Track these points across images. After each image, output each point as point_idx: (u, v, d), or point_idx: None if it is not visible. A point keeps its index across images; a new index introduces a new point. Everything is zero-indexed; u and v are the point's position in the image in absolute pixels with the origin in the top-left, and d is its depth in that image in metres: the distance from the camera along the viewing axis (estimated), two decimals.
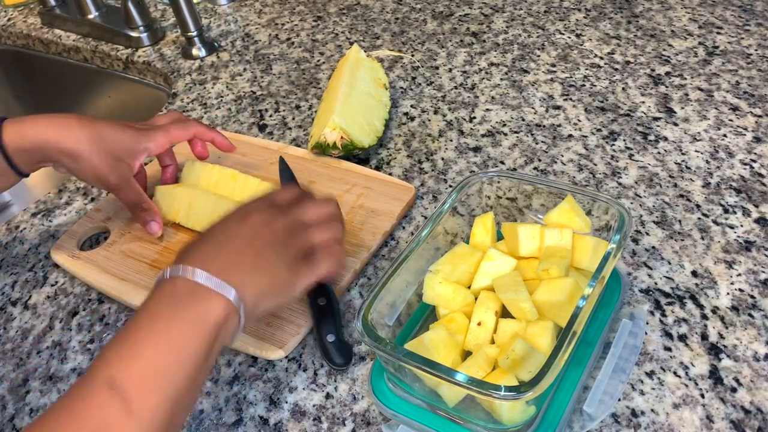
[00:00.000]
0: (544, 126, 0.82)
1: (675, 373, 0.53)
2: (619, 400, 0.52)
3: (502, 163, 0.77)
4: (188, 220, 0.70)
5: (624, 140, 0.78)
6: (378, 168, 0.79)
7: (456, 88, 0.92)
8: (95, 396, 0.38)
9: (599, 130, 0.81)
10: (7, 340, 0.64)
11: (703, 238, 0.65)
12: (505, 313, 0.51)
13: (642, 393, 0.52)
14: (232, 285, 0.43)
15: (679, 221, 0.67)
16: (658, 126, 0.80)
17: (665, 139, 0.78)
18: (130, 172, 0.65)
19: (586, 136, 0.80)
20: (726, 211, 0.68)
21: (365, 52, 0.89)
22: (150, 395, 0.38)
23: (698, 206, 0.68)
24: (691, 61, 0.91)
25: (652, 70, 0.91)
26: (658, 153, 0.76)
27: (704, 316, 0.57)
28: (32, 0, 1.31)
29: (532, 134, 0.81)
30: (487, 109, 0.86)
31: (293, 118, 0.90)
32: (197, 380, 0.41)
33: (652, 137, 0.78)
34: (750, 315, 0.57)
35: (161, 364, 0.40)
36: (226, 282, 0.43)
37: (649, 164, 0.74)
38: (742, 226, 0.66)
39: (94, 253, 0.69)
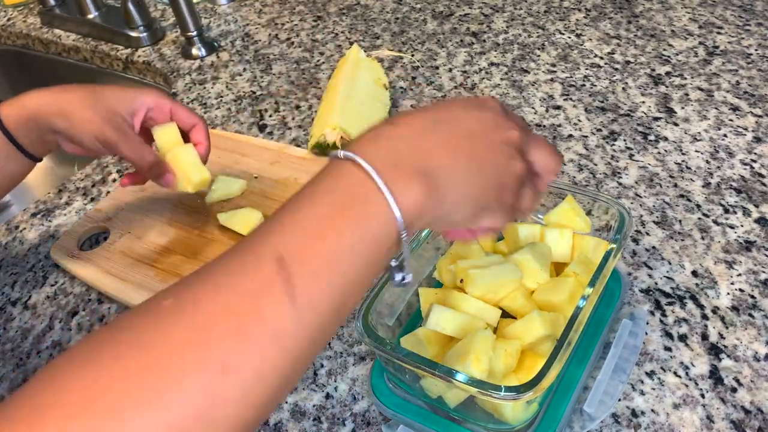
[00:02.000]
0: (544, 126, 0.82)
1: (675, 373, 0.53)
2: (619, 400, 0.52)
3: None
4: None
5: (624, 140, 0.78)
6: None
7: (456, 88, 0.92)
8: (260, 269, 0.32)
9: (599, 130, 0.80)
10: (7, 340, 0.64)
11: (703, 238, 0.65)
12: (504, 313, 0.51)
13: (642, 393, 0.52)
14: (400, 192, 0.35)
15: (680, 221, 0.67)
16: (659, 126, 0.80)
17: (665, 139, 0.78)
18: (128, 125, 0.62)
19: (586, 136, 0.80)
20: (726, 211, 0.68)
21: (365, 52, 0.89)
22: (322, 285, 0.33)
23: (698, 206, 0.68)
24: (692, 61, 0.91)
25: (653, 70, 0.90)
26: (659, 153, 0.76)
27: (704, 316, 0.57)
28: (32, 0, 1.31)
29: None
30: None
31: (293, 118, 0.90)
32: (365, 281, 0.36)
33: (652, 137, 0.78)
34: (750, 315, 0.57)
35: (337, 252, 0.34)
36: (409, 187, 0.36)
37: (650, 164, 0.74)
38: (742, 226, 0.66)
39: (94, 253, 0.69)
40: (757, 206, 0.68)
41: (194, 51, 1.06)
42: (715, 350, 0.55)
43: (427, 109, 0.40)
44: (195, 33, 1.04)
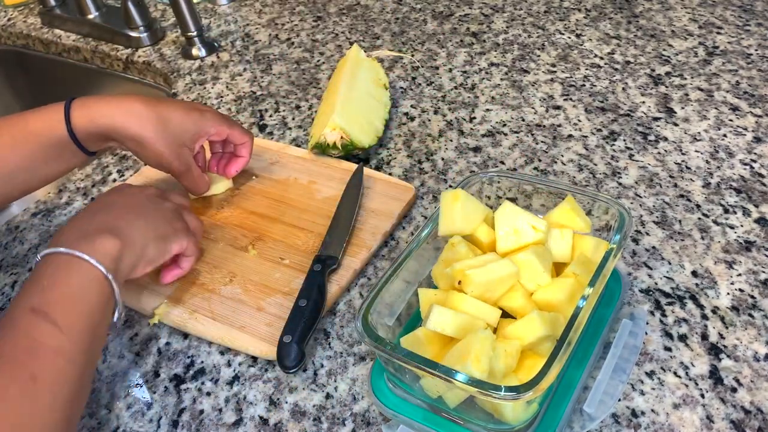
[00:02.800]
0: (544, 126, 0.82)
1: (675, 373, 0.53)
2: (619, 400, 0.52)
3: (502, 163, 0.77)
4: None
5: (624, 140, 0.78)
6: (378, 168, 0.79)
7: (456, 88, 0.92)
8: (21, 321, 0.45)
9: (599, 130, 0.81)
10: None
11: (703, 238, 0.65)
12: (504, 313, 0.51)
13: (642, 393, 0.52)
14: (93, 251, 0.50)
15: (679, 221, 0.67)
16: (658, 126, 0.80)
17: (665, 139, 0.78)
18: (191, 156, 0.68)
19: (586, 136, 0.80)
20: (726, 211, 0.68)
21: (365, 52, 0.89)
22: (67, 311, 0.46)
23: (698, 206, 0.68)
24: (691, 61, 0.91)
25: (652, 70, 0.91)
26: (658, 153, 0.76)
27: (704, 316, 0.57)
28: (32, 0, 1.31)
29: (532, 134, 0.81)
30: (487, 109, 0.86)
31: (293, 118, 0.90)
32: (104, 311, 0.50)
33: (652, 137, 0.78)
34: (750, 315, 0.57)
35: (71, 292, 0.47)
36: (87, 251, 0.50)
37: (649, 164, 0.74)
38: (742, 226, 0.66)
39: None
40: (757, 206, 0.68)
41: (194, 51, 1.06)
42: (715, 350, 0.55)
43: (95, 202, 0.58)
44: (195, 33, 1.04)
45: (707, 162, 0.74)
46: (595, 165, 0.75)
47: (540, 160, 0.77)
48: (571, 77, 0.91)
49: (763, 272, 0.61)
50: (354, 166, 0.76)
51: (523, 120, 0.84)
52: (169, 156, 0.65)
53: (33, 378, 0.42)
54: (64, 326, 0.45)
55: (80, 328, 0.47)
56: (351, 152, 0.77)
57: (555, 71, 0.92)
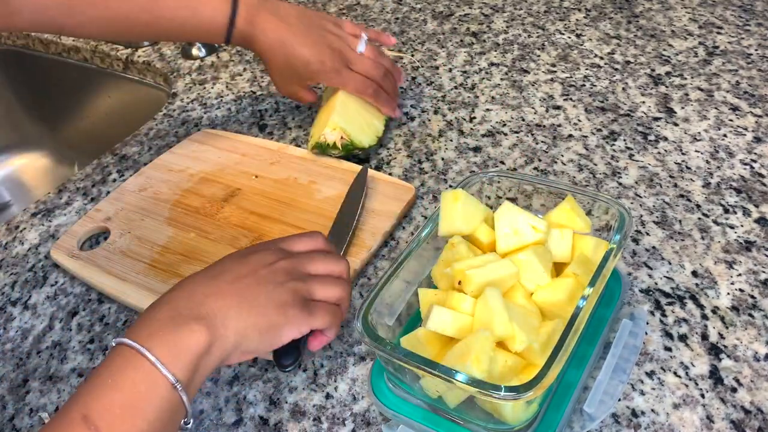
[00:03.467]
0: (544, 126, 0.82)
1: (675, 373, 0.53)
2: (620, 400, 0.52)
3: (502, 163, 0.77)
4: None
5: (624, 140, 0.78)
6: (378, 168, 0.79)
7: (456, 88, 0.92)
8: (72, 426, 0.40)
9: (599, 130, 0.81)
10: (7, 340, 0.64)
11: (703, 238, 0.65)
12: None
13: (642, 393, 0.52)
14: (169, 349, 0.43)
15: (680, 221, 0.67)
16: (658, 126, 0.80)
17: (665, 139, 0.78)
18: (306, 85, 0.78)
19: (586, 136, 0.80)
20: (726, 211, 0.68)
21: None
22: (125, 426, 0.41)
23: (698, 206, 0.68)
24: (691, 61, 0.91)
25: (652, 70, 0.91)
26: (658, 153, 0.76)
27: (704, 316, 0.57)
28: None
29: (532, 134, 0.81)
30: (487, 109, 0.86)
31: (293, 118, 0.90)
32: (169, 419, 0.43)
33: (652, 137, 0.78)
34: (750, 315, 0.57)
35: (132, 401, 0.41)
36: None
37: (649, 164, 0.74)
38: (742, 226, 0.66)
39: (94, 253, 0.69)
40: (757, 206, 0.68)
41: (194, 51, 1.06)
42: (715, 350, 0.55)
43: (207, 269, 0.50)
44: None
45: (707, 162, 0.74)
46: (595, 165, 0.75)
47: (540, 160, 0.77)
48: (571, 77, 0.91)
49: (763, 272, 0.61)
50: (354, 166, 0.76)
51: (523, 120, 0.84)
52: (279, 83, 0.78)
53: None
54: None
55: None
56: (351, 152, 0.77)
57: (555, 71, 0.92)
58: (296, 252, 0.53)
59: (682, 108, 0.83)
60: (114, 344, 0.44)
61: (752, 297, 0.59)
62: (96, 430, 0.40)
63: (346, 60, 0.76)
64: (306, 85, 0.78)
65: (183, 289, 0.47)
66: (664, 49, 0.95)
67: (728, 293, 0.59)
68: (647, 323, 0.57)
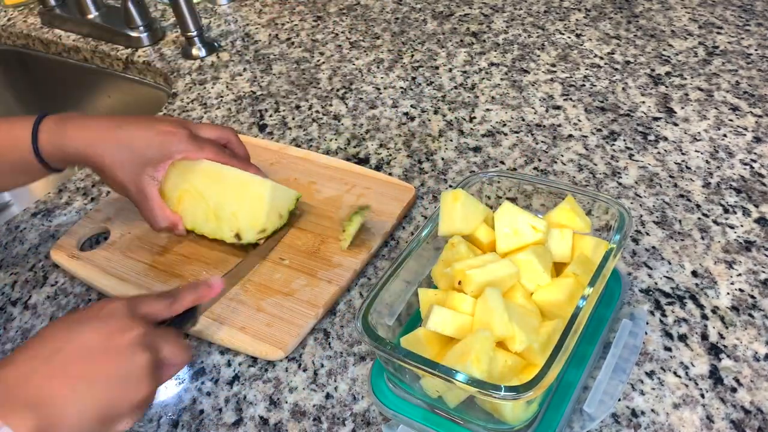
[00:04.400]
0: (544, 126, 0.82)
1: (675, 373, 0.53)
2: (619, 400, 0.52)
3: (502, 163, 0.77)
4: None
5: (624, 140, 0.78)
6: (378, 168, 0.79)
7: (456, 88, 0.92)
8: None
9: (599, 130, 0.81)
10: (7, 340, 0.64)
11: (703, 238, 0.65)
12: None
13: (642, 393, 0.52)
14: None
15: (679, 221, 0.67)
16: (658, 126, 0.80)
17: (665, 139, 0.78)
18: (152, 184, 0.64)
19: (586, 136, 0.80)
20: (726, 211, 0.68)
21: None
22: None
23: (698, 206, 0.68)
24: (691, 61, 0.91)
25: (652, 70, 0.91)
26: (658, 153, 0.76)
27: (704, 316, 0.57)
28: (32, 0, 1.31)
29: (532, 134, 0.81)
30: (487, 109, 0.86)
31: (293, 118, 0.90)
32: None
33: (652, 137, 0.78)
34: (750, 315, 0.57)
35: None
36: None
37: (649, 164, 0.74)
38: (742, 226, 0.66)
39: (94, 254, 0.69)
40: (757, 206, 0.68)
41: (194, 51, 1.06)
42: (715, 350, 0.55)
43: (44, 335, 0.43)
44: (195, 33, 1.04)
45: (707, 162, 0.74)
46: (595, 165, 0.75)
47: (540, 160, 0.77)
48: (571, 77, 0.91)
49: (763, 272, 0.61)
50: (355, 167, 0.76)
51: (523, 120, 0.84)
52: (127, 184, 0.62)
53: None
54: None
55: None
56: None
57: (555, 71, 0.92)
58: (144, 325, 0.46)
59: (682, 108, 0.83)
60: None
61: (752, 297, 0.59)
62: None
63: (190, 126, 0.66)
64: (154, 176, 0.64)
65: (17, 366, 0.41)
66: (664, 49, 0.95)
67: (728, 293, 0.59)
68: (647, 323, 0.57)
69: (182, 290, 0.51)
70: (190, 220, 0.66)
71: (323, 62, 1.02)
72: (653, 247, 0.64)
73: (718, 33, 0.97)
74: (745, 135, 0.77)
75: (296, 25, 1.14)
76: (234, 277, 0.62)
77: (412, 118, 0.87)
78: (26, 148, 0.61)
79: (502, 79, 0.92)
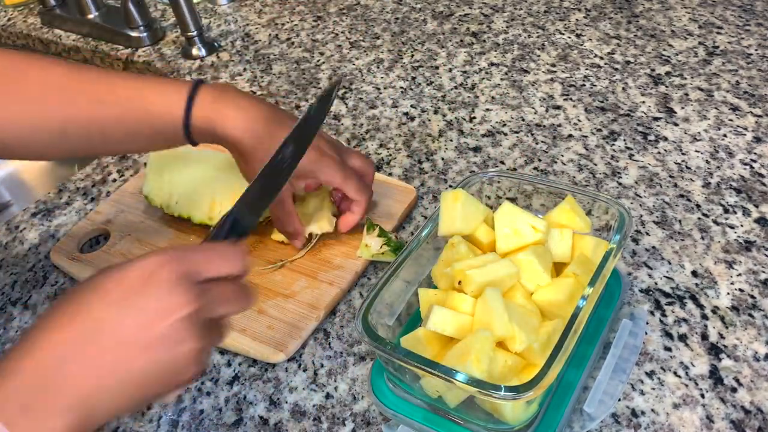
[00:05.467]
0: (544, 126, 0.82)
1: (675, 373, 0.53)
2: (619, 400, 0.52)
3: (502, 163, 0.77)
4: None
5: (624, 140, 0.78)
6: (378, 168, 0.79)
7: (456, 88, 0.92)
8: None
9: (599, 130, 0.81)
10: (7, 340, 0.64)
11: (703, 238, 0.65)
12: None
13: (642, 393, 0.52)
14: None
15: (679, 221, 0.67)
16: (658, 126, 0.80)
17: (665, 139, 0.78)
18: (289, 192, 0.62)
19: (586, 136, 0.80)
20: (726, 211, 0.68)
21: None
22: None
23: (698, 206, 0.68)
24: (691, 61, 0.91)
25: (652, 70, 0.91)
26: (658, 153, 0.76)
27: (704, 316, 0.57)
28: (32, 0, 1.31)
29: (532, 134, 0.81)
30: (487, 109, 0.86)
31: None
32: None
33: (652, 137, 0.78)
34: (750, 315, 0.57)
35: None
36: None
37: (649, 164, 0.74)
38: (742, 226, 0.66)
39: (94, 256, 0.69)
40: (757, 206, 0.68)
41: (194, 51, 1.06)
42: (715, 350, 0.55)
43: (74, 317, 0.37)
44: (195, 33, 1.04)
45: (707, 162, 0.74)
46: (595, 165, 0.75)
47: (540, 160, 0.77)
48: (571, 77, 0.91)
49: (763, 272, 0.61)
50: None
51: (523, 120, 0.84)
52: None
53: None
54: None
55: None
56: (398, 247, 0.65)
57: (555, 71, 0.92)
58: (205, 279, 0.40)
59: (682, 108, 0.83)
60: None
61: (752, 297, 0.59)
62: None
63: (341, 151, 0.63)
64: (294, 183, 0.61)
65: (51, 352, 0.36)
66: (664, 49, 0.95)
67: (728, 293, 0.59)
68: (647, 323, 0.57)
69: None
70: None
71: (323, 62, 1.02)
72: (653, 247, 0.64)
73: (718, 33, 0.97)
74: (745, 135, 0.77)
75: (296, 25, 1.14)
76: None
77: (412, 118, 0.87)
78: (177, 118, 0.56)
79: (502, 79, 0.92)
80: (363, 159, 0.65)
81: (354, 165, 0.63)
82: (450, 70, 0.96)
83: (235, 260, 0.41)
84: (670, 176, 0.72)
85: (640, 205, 0.69)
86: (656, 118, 0.81)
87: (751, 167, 0.73)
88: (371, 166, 0.66)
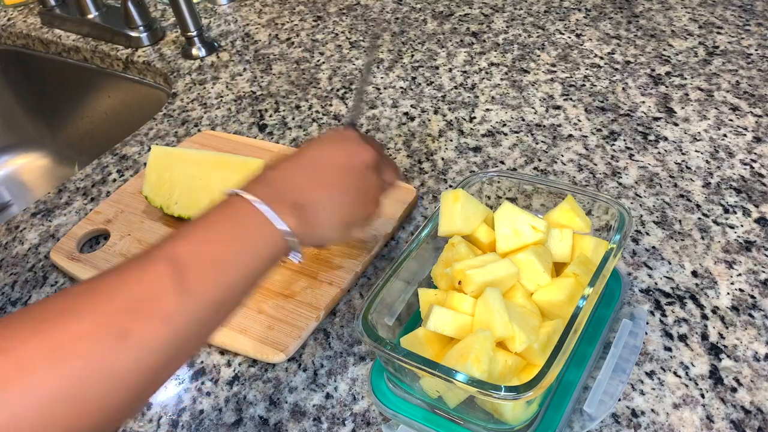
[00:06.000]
0: (544, 126, 0.82)
1: (675, 373, 0.53)
2: (619, 400, 0.52)
3: (502, 163, 0.77)
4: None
5: (624, 140, 0.78)
6: None
7: (456, 88, 0.92)
8: (153, 266, 0.38)
9: (599, 130, 0.81)
10: None
11: (703, 238, 0.65)
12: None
13: (642, 393, 0.52)
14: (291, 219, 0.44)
15: (679, 221, 0.67)
16: (658, 126, 0.80)
17: (665, 139, 0.78)
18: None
19: (586, 136, 0.80)
20: (726, 211, 0.68)
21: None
22: (207, 279, 0.39)
23: (698, 206, 0.68)
24: (691, 61, 0.91)
25: (652, 70, 0.90)
26: (658, 153, 0.76)
27: (704, 316, 0.57)
28: (32, 0, 1.31)
29: (532, 134, 0.81)
30: (487, 109, 0.86)
31: (293, 118, 0.90)
32: (245, 284, 0.42)
33: (652, 137, 0.78)
34: (750, 315, 0.57)
35: (222, 256, 0.41)
36: (286, 214, 0.44)
37: (649, 164, 0.74)
38: (742, 226, 0.66)
39: (94, 256, 0.69)
40: (757, 206, 0.68)
41: (194, 51, 1.06)
42: (715, 350, 0.55)
43: (300, 151, 0.49)
44: (195, 33, 1.04)
45: (707, 162, 0.74)
46: (595, 165, 0.75)
47: (540, 160, 0.77)
48: (571, 77, 0.91)
49: (763, 272, 0.61)
50: None
51: (523, 120, 0.84)
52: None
53: (124, 335, 0.35)
54: (194, 294, 0.38)
55: (212, 300, 0.39)
56: None
57: (555, 71, 0.92)
58: (375, 149, 0.52)
59: (682, 108, 0.83)
60: (226, 195, 0.44)
61: (752, 297, 0.59)
62: (181, 274, 0.38)
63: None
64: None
65: (283, 169, 0.47)
66: (664, 49, 0.95)
67: (728, 293, 0.59)
68: (647, 323, 0.57)
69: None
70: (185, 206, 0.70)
71: (323, 62, 1.02)
72: (653, 247, 0.64)
73: (718, 33, 0.97)
74: (745, 135, 0.77)
75: (296, 25, 1.14)
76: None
77: (412, 118, 0.87)
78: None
79: (502, 79, 0.92)
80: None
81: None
82: (450, 70, 0.96)
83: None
84: (670, 176, 0.72)
85: (640, 205, 0.69)
86: (656, 118, 0.81)
87: (751, 167, 0.73)
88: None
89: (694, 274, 0.61)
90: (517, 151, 0.79)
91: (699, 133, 0.78)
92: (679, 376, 0.53)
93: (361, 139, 0.51)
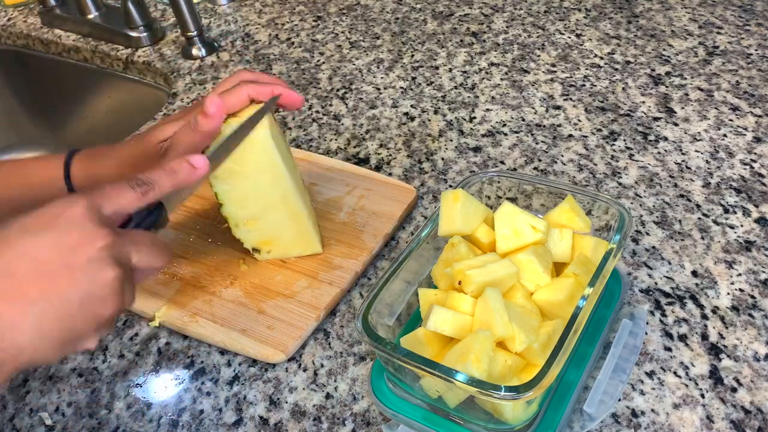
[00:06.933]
0: (544, 126, 0.82)
1: (675, 373, 0.53)
2: (619, 400, 0.52)
3: (502, 163, 0.77)
4: None
5: (624, 140, 0.78)
6: (378, 168, 0.79)
7: (456, 88, 0.92)
8: None
9: (599, 130, 0.81)
10: None
11: (703, 238, 0.65)
12: None
13: (642, 393, 0.52)
14: None
15: (679, 221, 0.67)
16: (658, 126, 0.80)
17: (665, 139, 0.78)
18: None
19: (586, 136, 0.80)
20: (726, 211, 0.68)
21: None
22: None
23: (698, 206, 0.68)
24: (691, 61, 0.91)
25: (652, 70, 0.91)
26: (658, 153, 0.76)
27: (704, 316, 0.57)
28: (32, 0, 1.31)
29: (532, 134, 0.81)
30: (487, 109, 0.86)
31: (293, 118, 0.90)
32: None
33: (652, 137, 0.78)
34: (750, 315, 0.57)
35: None
36: None
37: (649, 164, 0.74)
38: (742, 226, 0.66)
39: None
40: (757, 206, 0.68)
41: (194, 51, 1.06)
42: (715, 350, 0.55)
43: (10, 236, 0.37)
44: (195, 33, 1.04)
45: (707, 162, 0.74)
46: (595, 165, 0.75)
47: (540, 160, 0.77)
48: (571, 77, 0.91)
49: (763, 272, 0.61)
50: (356, 168, 0.76)
51: (523, 120, 0.84)
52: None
53: None
54: None
55: None
56: None
57: (555, 71, 0.92)
58: (112, 231, 0.40)
59: (682, 108, 0.83)
60: None
61: (752, 297, 0.59)
62: None
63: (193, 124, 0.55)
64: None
65: None
66: (664, 49, 0.95)
67: (728, 293, 0.59)
68: (647, 323, 0.57)
69: (156, 173, 0.44)
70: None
71: (323, 62, 1.02)
72: (653, 247, 0.64)
73: (718, 33, 0.97)
74: (745, 135, 0.77)
75: (296, 25, 1.14)
76: (219, 153, 0.52)
77: (412, 118, 0.87)
78: (58, 182, 0.59)
79: (502, 79, 0.92)
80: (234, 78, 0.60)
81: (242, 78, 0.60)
82: (450, 70, 0.96)
83: (148, 194, 0.43)
84: (670, 176, 0.72)
85: (640, 205, 0.69)
86: (656, 118, 0.81)
87: (751, 167, 0.73)
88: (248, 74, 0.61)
89: (694, 274, 0.61)
90: (517, 151, 0.79)
91: (699, 133, 0.78)
92: (679, 376, 0.53)
93: (92, 220, 0.38)
